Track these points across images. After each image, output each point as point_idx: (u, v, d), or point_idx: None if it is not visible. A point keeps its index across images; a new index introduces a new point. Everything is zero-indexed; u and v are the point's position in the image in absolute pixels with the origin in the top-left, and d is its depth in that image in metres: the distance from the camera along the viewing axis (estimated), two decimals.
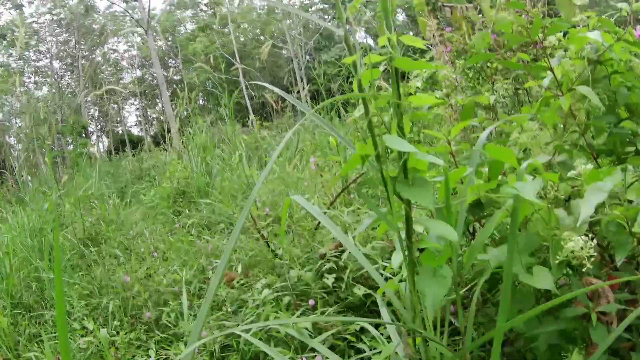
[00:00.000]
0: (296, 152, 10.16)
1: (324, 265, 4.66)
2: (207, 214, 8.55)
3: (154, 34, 20.31)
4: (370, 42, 36.66)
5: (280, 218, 6.61)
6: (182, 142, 16.69)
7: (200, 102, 42.45)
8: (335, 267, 4.61)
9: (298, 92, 30.56)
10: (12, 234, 8.09)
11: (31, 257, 7.19)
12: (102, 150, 40.88)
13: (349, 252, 4.51)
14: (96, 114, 45.08)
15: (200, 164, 10.17)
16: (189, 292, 5.30)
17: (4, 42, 30.76)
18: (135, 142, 40.95)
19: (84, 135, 29.51)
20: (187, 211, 9.15)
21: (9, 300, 5.96)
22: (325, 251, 4.80)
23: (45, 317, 5.90)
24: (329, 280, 4.45)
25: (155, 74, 42.27)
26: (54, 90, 36.96)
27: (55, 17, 36.97)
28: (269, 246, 5.51)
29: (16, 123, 39.81)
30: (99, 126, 46.22)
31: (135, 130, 50.72)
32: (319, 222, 5.52)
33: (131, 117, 53.85)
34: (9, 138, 38.55)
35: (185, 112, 18.13)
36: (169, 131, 33.57)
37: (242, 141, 11.70)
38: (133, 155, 29.62)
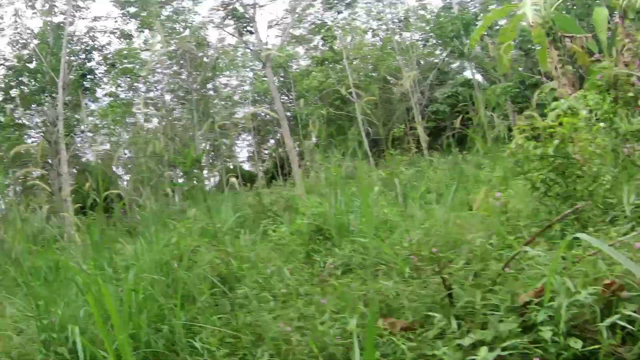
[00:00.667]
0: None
1: (530, 314, 4.04)
2: (348, 253, 7.71)
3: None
4: (479, 77, 35.75)
5: (449, 260, 5.79)
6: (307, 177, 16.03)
7: (313, 139, 41.85)
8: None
9: (412, 128, 29.76)
10: (134, 268, 6.96)
11: (156, 294, 6.24)
12: (212, 184, 40.79)
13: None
14: (207, 147, 44.97)
15: (336, 200, 9.28)
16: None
17: (113, 70, 30.83)
18: (247, 178, 41.03)
19: (196, 169, 28.96)
20: (325, 250, 8.35)
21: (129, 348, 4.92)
22: (528, 298, 4.18)
23: None
24: (546, 333, 3.79)
25: (268, 108, 42.16)
26: (164, 122, 37.00)
27: (167, 49, 37.11)
28: (449, 290, 4.67)
29: (124, 154, 40.15)
30: (210, 161, 46.12)
31: (247, 166, 50.71)
32: (507, 263, 4.70)
33: (242, 152, 53.86)
34: (117, 168, 38.87)
35: (311, 144, 17.36)
36: (282, 167, 33.11)
37: (378, 176, 11.01)
38: (249, 189, 29.22)
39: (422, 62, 38.96)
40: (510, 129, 25.57)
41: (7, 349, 5.59)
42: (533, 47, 22.82)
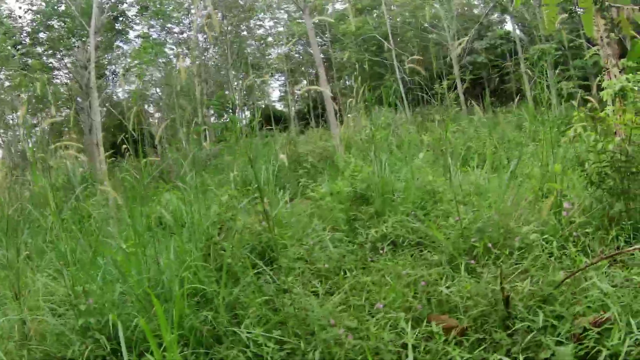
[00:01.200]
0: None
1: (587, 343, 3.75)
2: (392, 226, 7.39)
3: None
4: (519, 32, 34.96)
5: (504, 254, 5.49)
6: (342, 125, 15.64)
7: (347, 82, 41.45)
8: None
9: (449, 79, 29.21)
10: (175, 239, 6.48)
11: (200, 275, 5.77)
12: (244, 123, 40.35)
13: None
14: (240, 87, 44.47)
15: (381, 165, 8.85)
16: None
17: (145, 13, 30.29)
18: (279, 117, 41.12)
19: (230, 110, 28.64)
20: (368, 218, 8.02)
21: (176, 333, 4.51)
22: (586, 324, 3.86)
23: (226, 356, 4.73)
24: None
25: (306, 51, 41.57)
26: (197, 62, 36.49)
27: None
28: (506, 296, 4.39)
29: (156, 92, 39.79)
30: (243, 100, 45.67)
31: (278, 106, 50.30)
32: (567, 277, 4.42)
33: (275, 92, 53.33)
34: (148, 107, 38.53)
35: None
36: (314, 108, 32.52)
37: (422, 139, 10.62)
38: (281, 131, 28.64)
39: (460, 12, 38.02)
40: (548, 88, 25.03)
41: (42, 331, 5.35)
42: (575, 11, 22.11)
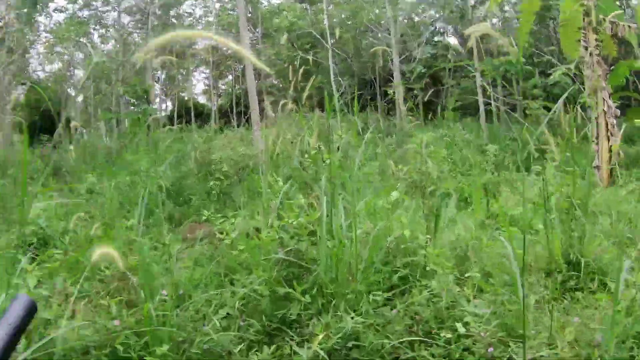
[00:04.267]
0: None
1: None
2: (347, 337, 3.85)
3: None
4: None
5: None
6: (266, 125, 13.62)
7: (274, 81, 38.12)
8: None
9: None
10: None
11: None
12: (164, 115, 38.42)
13: None
14: (162, 77, 40.93)
15: (331, 212, 5.18)
16: None
17: None
18: (200, 112, 39.77)
19: (145, 99, 25.22)
20: (306, 315, 4.43)
21: None
22: None
23: None
24: None
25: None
26: (118, 45, 33.18)
27: None
28: None
29: (74, 74, 36.73)
30: (164, 90, 42.05)
31: (202, 99, 46.67)
32: None
33: (199, 84, 49.71)
34: (70, 89, 35.20)
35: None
36: (237, 104, 29.77)
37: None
38: (200, 127, 25.61)
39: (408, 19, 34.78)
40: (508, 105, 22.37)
41: None
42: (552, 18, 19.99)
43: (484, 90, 21.42)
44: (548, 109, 17.49)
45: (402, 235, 5.14)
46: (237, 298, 4.65)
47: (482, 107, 21.36)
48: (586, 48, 11.45)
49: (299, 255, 4.75)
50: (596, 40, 11.44)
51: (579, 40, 11.47)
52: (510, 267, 4.73)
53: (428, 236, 5.21)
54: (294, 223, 4.86)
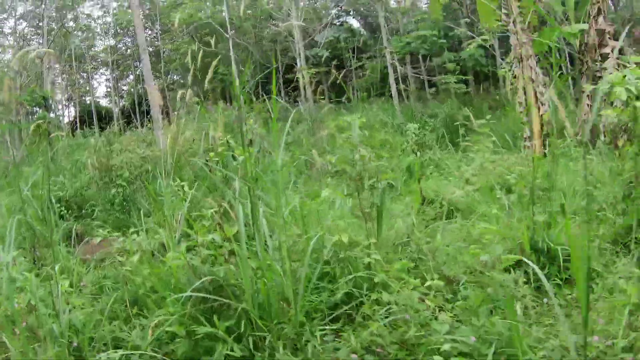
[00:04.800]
0: None
1: None
2: None
3: None
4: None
5: None
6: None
7: (175, 77, 37.08)
8: None
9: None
10: None
11: None
12: (67, 120, 37.57)
13: None
14: (63, 82, 39.37)
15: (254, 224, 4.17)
16: None
17: None
18: (104, 115, 38.68)
19: (44, 106, 24.02)
20: None
21: None
22: None
23: None
24: None
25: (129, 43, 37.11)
26: (17, 54, 31.66)
27: None
28: None
29: None
30: (66, 95, 40.49)
31: (104, 102, 45.14)
32: None
33: (101, 87, 48.10)
34: None
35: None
36: (139, 104, 29.47)
37: None
38: (101, 130, 24.84)
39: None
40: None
41: None
42: None
43: (394, 69, 20.90)
44: (465, 83, 17.11)
45: (340, 242, 4.20)
46: (148, 342, 3.64)
47: (394, 87, 20.74)
48: (508, 15, 10.90)
49: (216, 284, 3.74)
50: (519, 7, 10.85)
51: (499, 8, 10.99)
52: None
53: (372, 240, 4.29)
54: (204, 242, 3.86)
